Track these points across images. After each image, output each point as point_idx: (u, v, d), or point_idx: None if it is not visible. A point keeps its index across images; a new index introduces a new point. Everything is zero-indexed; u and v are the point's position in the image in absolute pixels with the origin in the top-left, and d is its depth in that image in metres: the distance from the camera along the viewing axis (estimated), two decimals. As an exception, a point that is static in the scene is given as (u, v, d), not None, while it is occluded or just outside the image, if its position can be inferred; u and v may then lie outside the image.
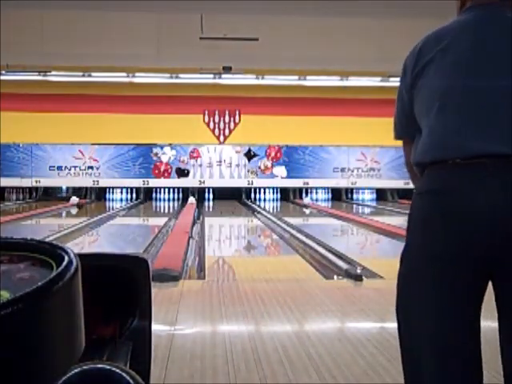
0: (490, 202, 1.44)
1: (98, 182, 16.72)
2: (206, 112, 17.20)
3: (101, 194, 16.79)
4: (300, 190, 17.11)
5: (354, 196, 17.41)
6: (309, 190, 17.02)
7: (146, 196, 16.74)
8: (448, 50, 1.59)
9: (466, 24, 1.62)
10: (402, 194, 17.47)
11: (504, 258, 1.47)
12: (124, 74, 15.05)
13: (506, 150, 1.44)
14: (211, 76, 14.87)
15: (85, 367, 0.91)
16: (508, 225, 1.44)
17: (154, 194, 16.93)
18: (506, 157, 1.44)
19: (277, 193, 17.06)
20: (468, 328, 1.60)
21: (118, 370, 0.93)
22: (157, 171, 16.89)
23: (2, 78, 14.10)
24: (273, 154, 17.04)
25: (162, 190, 17.01)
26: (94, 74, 14.86)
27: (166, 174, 16.91)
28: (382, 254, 7.94)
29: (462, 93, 1.55)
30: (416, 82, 1.65)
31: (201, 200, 16.29)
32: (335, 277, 5.46)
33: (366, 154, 17.24)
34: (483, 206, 1.45)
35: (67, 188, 17.05)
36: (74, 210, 14.32)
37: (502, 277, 1.51)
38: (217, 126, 17.31)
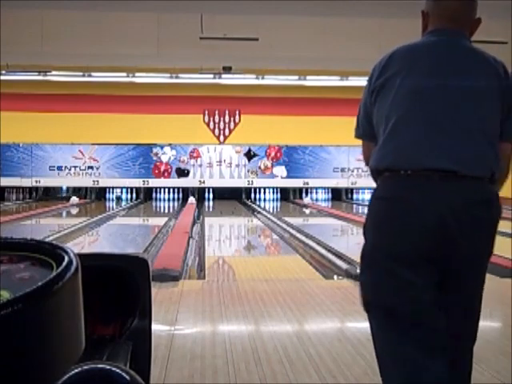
0: (436, 209, 1.66)
1: (97, 181, 16.72)
2: (206, 112, 17.20)
3: (101, 193, 16.80)
4: (300, 190, 17.10)
5: (354, 196, 17.41)
6: (309, 190, 17.02)
7: (145, 196, 16.74)
8: (409, 68, 1.78)
9: (427, 46, 1.85)
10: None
11: (447, 257, 1.71)
12: (124, 74, 15.04)
13: (452, 167, 1.68)
14: (211, 76, 14.87)
15: (85, 367, 0.91)
16: (450, 231, 1.67)
17: (154, 194, 16.94)
18: (452, 172, 1.68)
19: (277, 193, 17.06)
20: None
21: (118, 370, 0.93)
22: (157, 171, 16.89)
23: (2, 77, 14.10)
24: (273, 154, 17.04)
25: (162, 189, 17.01)
26: (94, 73, 14.86)
27: (165, 174, 16.91)
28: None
29: (420, 110, 1.74)
30: (378, 94, 1.82)
31: (201, 200, 16.29)
32: (335, 277, 5.46)
33: (366, 153, 17.23)
34: (430, 213, 1.67)
35: (67, 188, 17.06)
36: (74, 210, 14.33)
37: (446, 272, 1.73)
38: (217, 125, 17.31)
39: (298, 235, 8.41)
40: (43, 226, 11.06)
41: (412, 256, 1.69)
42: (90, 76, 14.93)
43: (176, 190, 16.96)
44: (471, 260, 1.74)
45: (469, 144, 1.71)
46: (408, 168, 1.70)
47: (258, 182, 16.96)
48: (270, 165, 17.01)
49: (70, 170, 16.69)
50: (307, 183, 16.95)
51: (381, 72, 1.83)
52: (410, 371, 1.69)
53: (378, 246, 1.75)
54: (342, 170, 17.07)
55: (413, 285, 1.69)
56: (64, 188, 17.10)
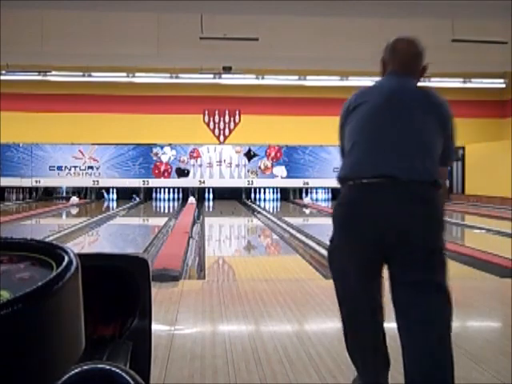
0: (385, 210, 2.10)
1: (98, 181, 16.72)
2: (206, 112, 17.20)
3: (101, 193, 16.81)
4: (300, 190, 17.11)
5: (354, 196, 17.39)
6: (309, 190, 17.02)
7: (146, 196, 16.74)
8: (367, 103, 2.29)
9: (381, 87, 2.40)
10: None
11: (395, 249, 2.11)
12: (124, 74, 15.05)
13: (397, 174, 2.11)
14: (211, 76, 14.87)
15: (85, 367, 0.91)
16: (398, 226, 2.09)
17: (154, 194, 16.93)
18: (396, 178, 2.11)
19: (277, 193, 17.06)
20: (367, 288, 2.22)
21: (118, 370, 0.93)
22: (157, 171, 16.89)
23: (2, 77, 14.10)
24: (273, 154, 17.04)
25: (162, 190, 17.01)
26: (94, 73, 14.87)
27: (165, 174, 16.91)
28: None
29: (369, 136, 2.25)
30: (346, 125, 2.36)
31: (201, 200, 16.29)
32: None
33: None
34: (381, 213, 2.11)
35: (67, 188, 17.06)
36: (74, 210, 14.33)
37: (393, 262, 2.14)
38: (217, 125, 17.31)
39: (298, 235, 8.41)
40: (43, 226, 11.07)
41: (365, 249, 2.17)
42: (89, 76, 14.94)
43: (176, 190, 16.96)
44: (412, 247, 2.11)
45: (414, 160, 2.15)
46: (362, 177, 2.17)
47: (257, 182, 16.97)
48: (270, 165, 17.01)
49: (69, 170, 16.69)
50: (307, 183, 16.95)
51: (347, 109, 2.38)
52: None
53: (339, 244, 2.28)
54: (342, 169, 17.07)
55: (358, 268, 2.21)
56: (64, 188, 17.10)
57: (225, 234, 10.55)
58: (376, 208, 2.12)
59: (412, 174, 2.13)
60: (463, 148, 17.60)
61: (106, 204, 15.84)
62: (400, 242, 2.10)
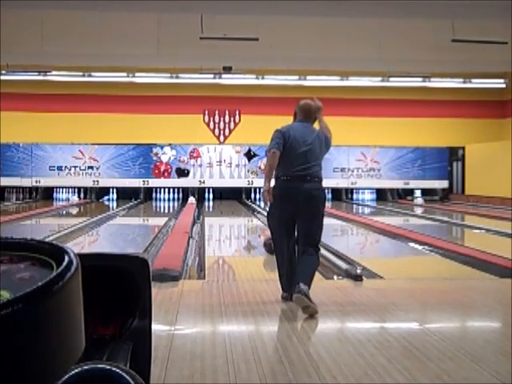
0: (298, 191, 4.16)
1: (98, 181, 16.72)
2: (206, 112, 17.20)
3: (101, 193, 16.80)
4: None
5: (354, 196, 17.42)
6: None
7: (145, 196, 16.74)
8: (293, 138, 4.30)
9: (297, 129, 4.41)
10: (403, 193, 17.48)
11: (301, 211, 4.16)
12: (124, 74, 15.05)
13: (304, 174, 4.21)
14: (211, 76, 14.87)
15: (85, 367, 0.91)
16: (304, 199, 4.14)
17: (154, 194, 16.93)
18: (304, 176, 4.21)
19: (277, 193, 17.03)
20: (288, 234, 4.26)
21: (118, 370, 0.93)
22: (157, 171, 16.89)
23: (2, 77, 14.10)
24: (273, 154, 17.03)
25: (162, 189, 17.01)
26: (94, 73, 14.87)
27: (166, 174, 16.91)
28: (381, 254, 7.94)
29: (295, 155, 4.23)
30: (285, 146, 4.27)
31: (201, 200, 16.29)
32: (335, 277, 5.47)
33: (366, 154, 17.24)
34: (296, 193, 4.16)
35: (67, 188, 17.05)
36: (74, 210, 14.33)
37: (299, 218, 4.22)
38: (217, 125, 17.31)
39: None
40: (43, 226, 11.07)
41: (286, 211, 4.21)
42: (90, 76, 14.94)
43: (176, 190, 16.96)
44: (309, 211, 4.16)
45: (313, 166, 4.24)
46: (288, 175, 4.23)
47: (258, 182, 16.96)
48: (269, 165, 17.00)
49: (70, 170, 16.69)
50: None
51: (284, 136, 4.30)
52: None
53: (275, 211, 4.30)
54: (342, 170, 17.07)
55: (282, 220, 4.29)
56: (64, 188, 17.09)
57: (225, 234, 10.55)
58: (295, 190, 4.18)
59: (314, 175, 4.25)
60: (463, 148, 17.61)
61: (106, 203, 15.85)
62: (301, 210, 4.18)
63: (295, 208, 4.12)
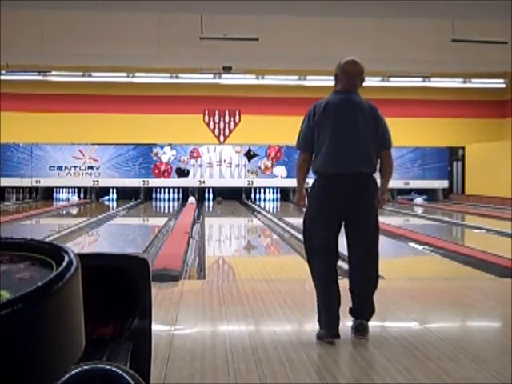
0: (344, 191, 3.33)
1: (98, 182, 16.71)
2: (206, 112, 17.20)
3: (101, 193, 16.80)
4: (300, 189, 17.08)
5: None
6: (309, 190, 17.01)
7: (146, 196, 16.73)
8: (329, 114, 3.36)
9: (334, 102, 3.40)
10: (402, 193, 17.48)
11: (349, 214, 3.37)
12: (124, 74, 15.05)
13: (347, 171, 3.33)
14: (211, 76, 14.87)
15: (85, 367, 0.91)
16: (351, 200, 3.33)
17: (154, 194, 16.93)
18: (347, 173, 3.32)
19: (277, 193, 17.06)
20: (334, 237, 3.42)
21: (118, 370, 0.93)
22: (157, 171, 16.88)
23: (2, 77, 14.10)
24: (273, 154, 17.04)
25: (162, 189, 17.01)
26: (94, 73, 14.86)
27: (165, 174, 16.90)
28: (381, 254, 7.91)
29: (335, 140, 3.35)
30: (316, 129, 3.38)
31: (201, 200, 16.28)
32: (335, 277, 5.45)
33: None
34: (341, 193, 3.33)
35: (67, 188, 17.04)
36: (74, 210, 14.33)
37: (347, 222, 3.41)
38: (217, 125, 17.31)
39: (298, 235, 8.40)
40: (43, 226, 11.07)
41: (330, 213, 3.39)
42: (89, 76, 14.94)
43: (176, 190, 16.95)
44: (360, 214, 3.39)
45: (356, 156, 3.34)
46: (331, 172, 3.38)
47: (258, 182, 16.96)
48: (270, 165, 17.01)
49: (70, 170, 16.68)
50: (307, 183, 16.91)
51: (314, 115, 3.38)
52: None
53: (314, 207, 3.49)
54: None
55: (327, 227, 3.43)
56: (64, 188, 17.08)
57: (225, 234, 10.55)
58: (340, 190, 3.39)
59: (359, 169, 3.39)
60: (463, 148, 17.60)
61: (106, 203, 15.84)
62: (349, 212, 3.42)
63: (340, 208, 3.35)
